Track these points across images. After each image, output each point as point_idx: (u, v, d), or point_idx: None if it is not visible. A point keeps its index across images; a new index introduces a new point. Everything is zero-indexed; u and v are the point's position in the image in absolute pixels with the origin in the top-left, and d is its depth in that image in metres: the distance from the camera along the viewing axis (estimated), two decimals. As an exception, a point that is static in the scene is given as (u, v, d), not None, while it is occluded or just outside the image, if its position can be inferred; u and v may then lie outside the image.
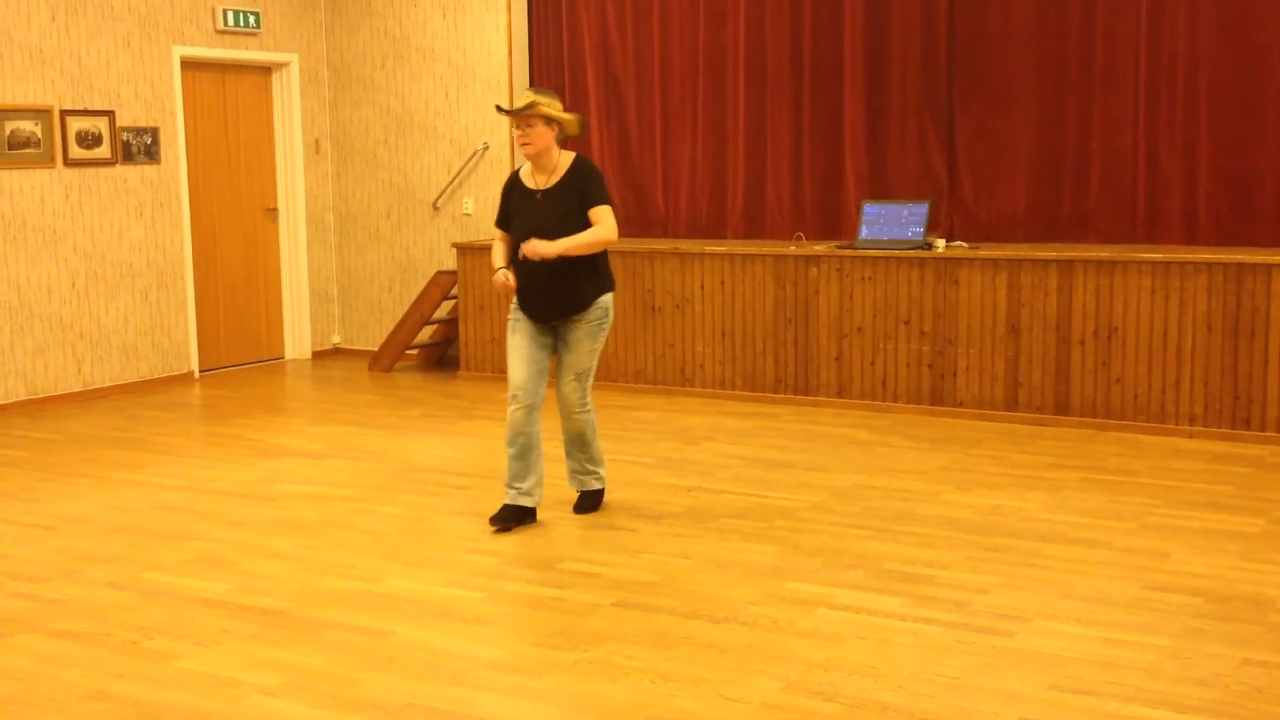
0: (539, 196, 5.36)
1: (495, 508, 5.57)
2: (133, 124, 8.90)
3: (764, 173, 8.81)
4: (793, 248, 8.16)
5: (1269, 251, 7.15)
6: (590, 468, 5.66)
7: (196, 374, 9.46)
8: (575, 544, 5.31)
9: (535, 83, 9.54)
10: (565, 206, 5.31)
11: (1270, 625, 4.28)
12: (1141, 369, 7.17)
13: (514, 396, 5.39)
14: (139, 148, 8.94)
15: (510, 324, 5.48)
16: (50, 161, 8.42)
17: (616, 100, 9.29)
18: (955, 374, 7.66)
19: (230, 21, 9.46)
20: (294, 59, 10.02)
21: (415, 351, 9.93)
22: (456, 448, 7.07)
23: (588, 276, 5.37)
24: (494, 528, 5.44)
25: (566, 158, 5.39)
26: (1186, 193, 7.63)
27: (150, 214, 9.07)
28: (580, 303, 5.37)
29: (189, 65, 9.36)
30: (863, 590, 4.67)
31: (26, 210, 8.33)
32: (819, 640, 4.20)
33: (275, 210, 10.16)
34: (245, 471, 6.64)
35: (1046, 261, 7.36)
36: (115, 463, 6.86)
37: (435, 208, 9.92)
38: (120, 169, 8.85)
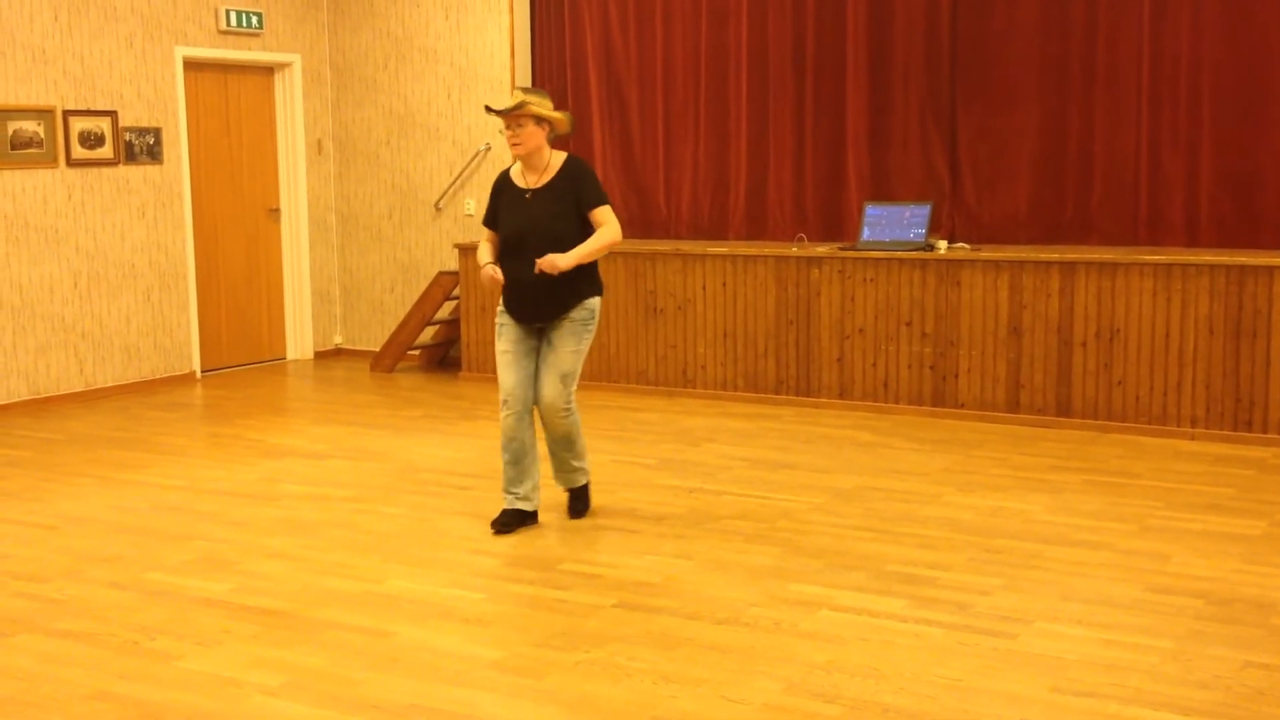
0: (528, 196, 5.31)
1: (497, 508, 5.57)
2: (135, 124, 8.91)
3: (766, 174, 8.81)
4: (794, 249, 8.16)
5: (1271, 254, 7.14)
6: (576, 464, 5.56)
7: (198, 374, 9.47)
8: (577, 545, 5.31)
9: (537, 84, 9.54)
10: (558, 206, 5.26)
11: (1272, 628, 4.28)
12: (1143, 371, 7.17)
13: (505, 402, 5.35)
14: (141, 148, 8.94)
15: (497, 329, 5.43)
16: (53, 162, 8.43)
17: (618, 101, 9.29)
18: (957, 375, 7.66)
19: (233, 22, 9.46)
20: (296, 59, 10.03)
21: (417, 352, 9.93)
22: (458, 448, 7.07)
23: (577, 279, 5.29)
24: (494, 531, 5.43)
25: (558, 157, 5.34)
26: (1189, 195, 7.63)
27: (152, 214, 9.07)
28: (567, 304, 5.30)
29: (191, 66, 9.36)
30: (864, 592, 4.66)
31: (29, 210, 8.34)
32: (820, 642, 4.20)
33: (277, 210, 10.16)
34: (247, 472, 6.64)
35: (1048, 263, 7.36)
36: (117, 463, 6.86)
37: (437, 208, 9.92)
38: (123, 169, 8.86)
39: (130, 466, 6.77)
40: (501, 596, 4.73)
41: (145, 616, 4.54)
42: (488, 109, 5.41)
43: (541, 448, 5.58)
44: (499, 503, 5.58)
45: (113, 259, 8.83)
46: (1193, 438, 7.04)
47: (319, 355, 10.41)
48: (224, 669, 4.06)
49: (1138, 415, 7.20)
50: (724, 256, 8.29)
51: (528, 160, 5.31)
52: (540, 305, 5.30)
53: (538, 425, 5.47)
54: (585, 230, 5.31)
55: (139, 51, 8.91)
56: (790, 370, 8.14)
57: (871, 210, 8.08)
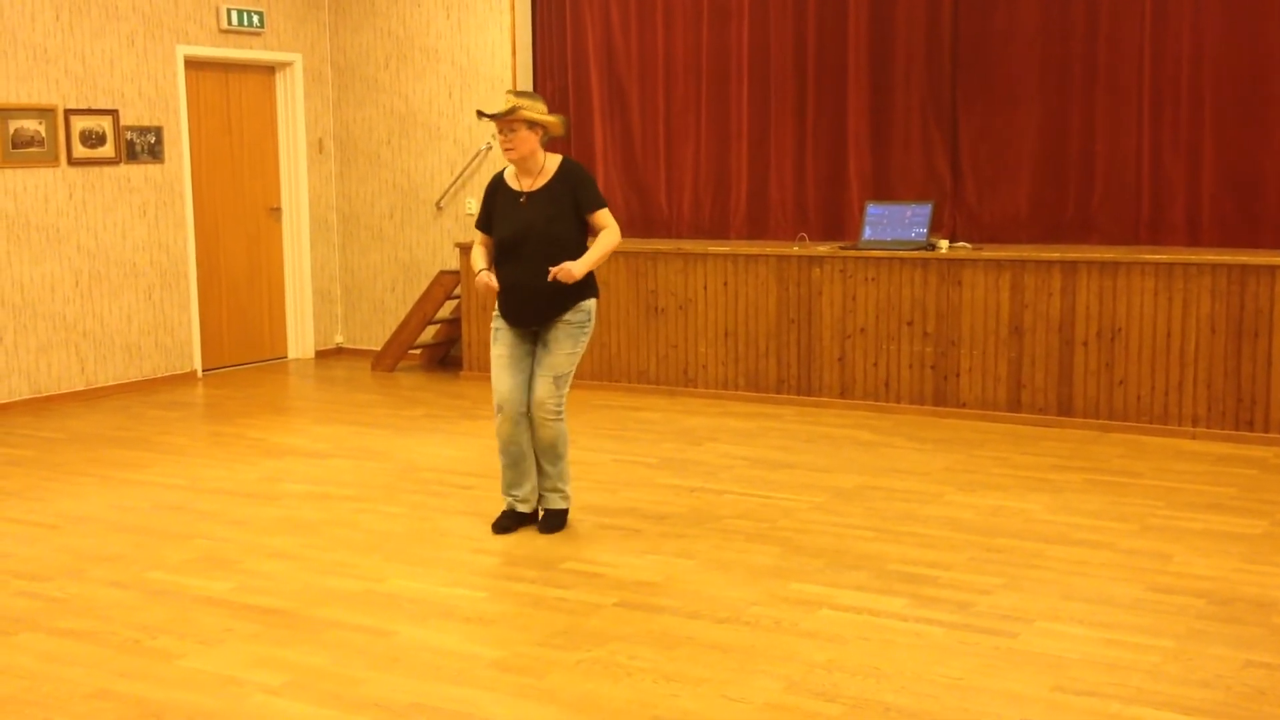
0: (523, 200, 5.26)
1: (498, 508, 5.58)
2: (136, 123, 8.91)
3: (767, 173, 8.81)
4: (796, 248, 8.16)
5: (1272, 253, 7.14)
6: (559, 485, 5.48)
7: (200, 373, 9.47)
8: (578, 544, 5.31)
9: (539, 83, 9.54)
10: (553, 209, 5.22)
11: (1273, 627, 4.28)
12: (1145, 370, 7.17)
13: (499, 408, 5.31)
14: (143, 147, 8.94)
15: (492, 333, 5.39)
16: (54, 160, 8.43)
17: (620, 100, 9.29)
18: (958, 375, 7.65)
19: (234, 21, 9.47)
20: (298, 59, 10.03)
21: (418, 351, 9.93)
22: (459, 447, 7.08)
23: (572, 284, 5.23)
24: (494, 531, 5.43)
25: (553, 160, 5.30)
26: (1190, 194, 7.62)
27: (154, 213, 9.08)
28: (563, 307, 5.26)
29: (193, 65, 9.37)
30: (865, 591, 4.66)
31: (30, 209, 8.34)
32: (821, 641, 4.20)
33: (279, 210, 10.16)
34: (248, 471, 6.64)
35: (1050, 263, 7.36)
36: (118, 462, 6.87)
37: (438, 208, 9.92)
38: (124, 168, 8.86)
39: (131, 466, 6.78)
40: (502, 596, 4.73)
41: (146, 615, 4.54)
42: (479, 114, 5.34)
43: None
44: (500, 502, 5.58)
45: (114, 258, 8.84)
46: (1194, 437, 7.04)
47: (320, 354, 10.42)
48: (225, 668, 4.06)
49: (1139, 415, 7.20)
50: (725, 256, 8.29)
51: (522, 164, 5.27)
52: (537, 309, 5.26)
53: None
54: (581, 232, 5.29)
55: (140, 50, 8.92)
56: (791, 370, 8.14)
57: (873, 210, 8.08)
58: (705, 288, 8.36)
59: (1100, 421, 7.28)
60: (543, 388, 5.30)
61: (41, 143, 8.34)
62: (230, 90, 9.74)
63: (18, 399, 8.33)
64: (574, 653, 4.13)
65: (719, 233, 9.01)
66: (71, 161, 8.52)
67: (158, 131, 9.03)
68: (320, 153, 10.28)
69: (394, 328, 10.03)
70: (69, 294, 8.59)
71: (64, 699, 3.86)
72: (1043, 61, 7.92)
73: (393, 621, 4.44)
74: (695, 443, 7.12)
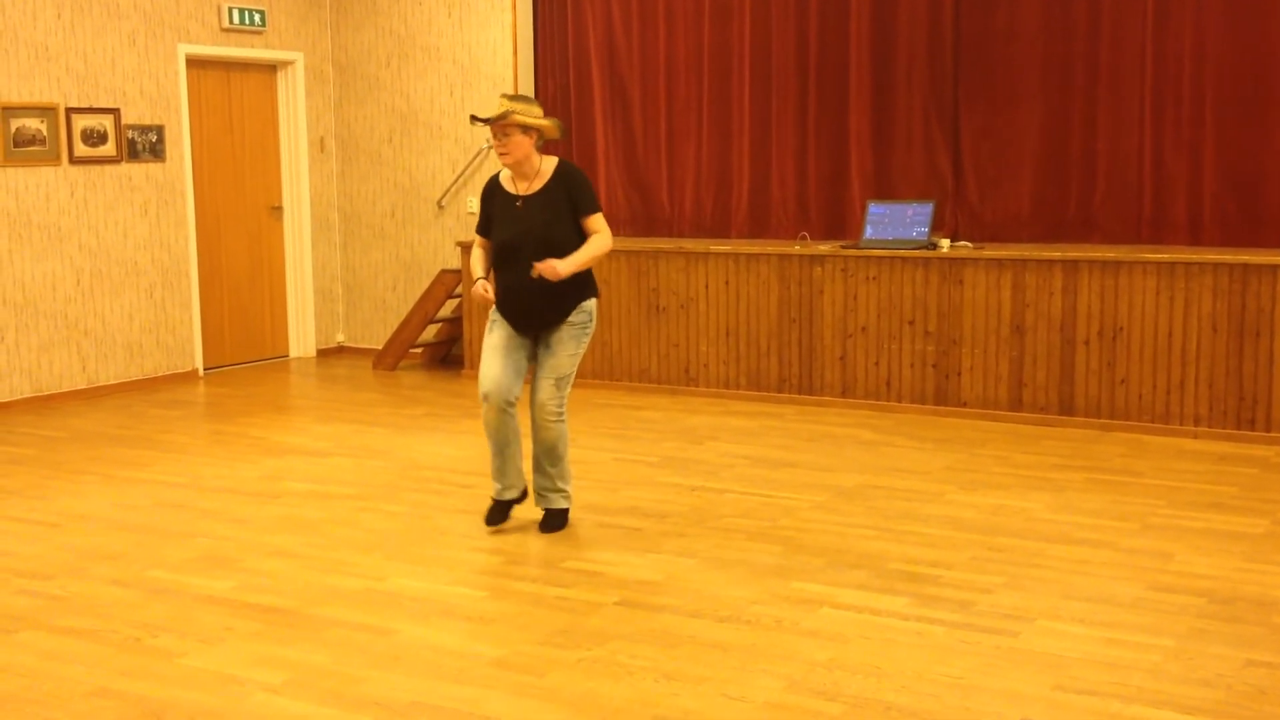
0: (519, 204, 5.22)
1: (499, 507, 5.58)
2: (138, 122, 8.91)
3: (769, 172, 8.81)
4: (797, 247, 8.16)
5: (1274, 252, 7.14)
6: (559, 485, 5.44)
7: (201, 372, 9.47)
8: (578, 543, 5.31)
9: (539, 82, 9.54)
10: (550, 213, 5.18)
11: (1274, 626, 4.28)
12: (1146, 370, 7.16)
13: (485, 396, 5.25)
14: (144, 145, 8.95)
15: (489, 323, 5.35)
16: (55, 159, 8.43)
17: (621, 99, 9.29)
18: (960, 374, 7.65)
19: (235, 20, 9.47)
20: (299, 57, 10.03)
21: (419, 350, 9.93)
22: (460, 446, 7.07)
23: (571, 286, 5.21)
24: (489, 526, 5.42)
25: (549, 163, 5.27)
26: (1192, 194, 7.62)
27: (155, 212, 9.08)
28: (563, 310, 5.23)
29: (194, 63, 9.37)
30: (866, 590, 4.66)
31: (32, 208, 8.34)
32: (822, 640, 4.20)
33: (280, 208, 10.17)
34: (249, 469, 6.64)
35: (1051, 262, 7.36)
36: (120, 460, 6.87)
37: (440, 206, 9.92)
38: (125, 167, 8.86)
39: (133, 464, 6.78)
40: (503, 594, 4.73)
41: (147, 614, 4.54)
42: (473, 119, 5.29)
43: (526, 446, 5.51)
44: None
45: (115, 256, 8.84)
46: (1195, 436, 7.03)
47: (321, 353, 10.42)
48: (226, 666, 4.06)
49: (1140, 414, 7.19)
50: (727, 255, 8.28)
51: (516, 169, 5.23)
52: (538, 313, 5.23)
53: (523, 425, 5.40)
54: (579, 236, 5.24)
55: (142, 49, 8.92)
56: (793, 369, 8.14)
57: (874, 209, 8.08)
58: (707, 287, 8.36)
59: (1101, 421, 7.28)
60: (545, 390, 5.27)
61: (43, 141, 8.34)
62: (232, 89, 9.74)
63: (19, 397, 8.33)
64: (574, 651, 4.13)
65: (720, 231, 9.01)
66: (73, 160, 8.52)
67: (159, 130, 9.04)
68: (322, 151, 10.29)
69: (395, 326, 10.04)
70: (70, 292, 8.59)
71: (65, 697, 3.86)
72: (1044, 60, 7.92)
73: (393, 620, 4.44)
74: (696, 442, 7.12)
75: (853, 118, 8.49)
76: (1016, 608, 4.46)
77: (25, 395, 8.37)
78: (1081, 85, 7.84)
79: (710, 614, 4.44)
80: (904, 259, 7.73)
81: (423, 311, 9.61)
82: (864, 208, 8.19)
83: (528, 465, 5.53)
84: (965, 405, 7.64)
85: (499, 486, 5.45)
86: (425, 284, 9.92)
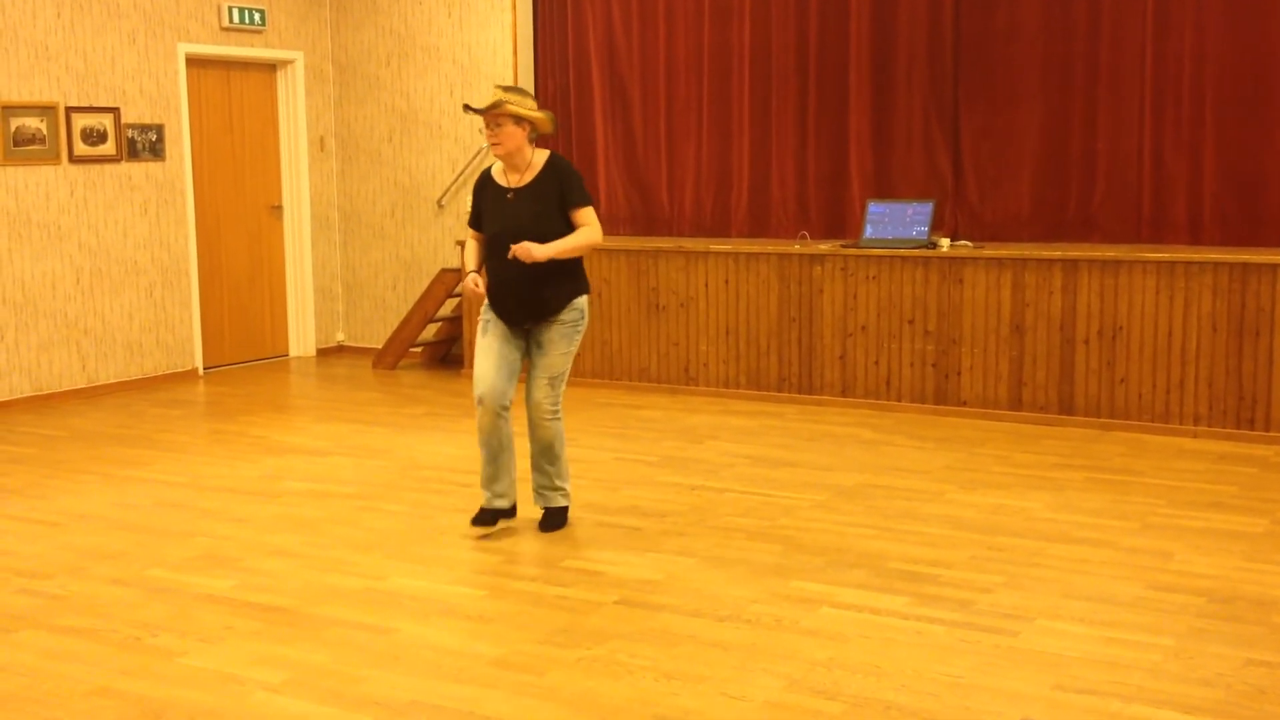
0: (510, 196, 5.20)
1: (499, 506, 5.58)
2: (138, 121, 8.91)
3: (769, 171, 8.81)
4: (797, 246, 8.16)
5: (1274, 252, 7.14)
6: (558, 483, 5.41)
7: (201, 371, 9.47)
8: (578, 542, 5.31)
9: (540, 81, 9.54)
10: (540, 205, 5.16)
11: (1274, 626, 4.28)
12: (1146, 369, 7.17)
13: (480, 399, 5.21)
14: (144, 145, 8.95)
15: (481, 324, 5.31)
16: (55, 158, 8.43)
17: (621, 98, 9.29)
18: (959, 373, 7.65)
19: (235, 19, 9.47)
20: (299, 56, 10.03)
21: (419, 349, 9.93)
22: (460, 445, 7.07)
23: (563, 279, 5.20)
24: (475, 529, 5.37)
25: (540, 156, 5.23)
26: (1192, 193, 7.62)
27: (155, 211, 9.08)
28: (555, 305, 5.20)
29: (194, 62, 9.37)
30: (866, 589, 4.66)
31: (31, 207, 8.34)
32: (822, 639, 4.20)
33: (280, 208, 10.16)
34: (249, 468, 6.64)
35: (1051, 261, 7.36)
36: (120, 459, 6.87)
37: (440, 205, 9.92)
38: (125, 166, 8.86)
39: (133, 463, 6.78)
40: (503, 593, 4.73)
41: (147, 613, 4.54)
42: (466, 108, 5.30)
43: (520, 452, 5.50)
44: (481, 497, 5.54)
45: (115, 256, 8.84)
46: (1195, 436, 7.03)
47: (321, 352, 10.42)
48: (226, 666, 4.06)
49: (1140, 413, 7.19)
50: (726, 254, 8.28)
51: (508, 160, 5.21)
52: (526, 306, 5.19)
53: (517, 427, 5.38)
54: (569, 229, 5.20)
55: (142, 48, 8.92)
56: (792, 368, 8.14)
57: (874, 208, 8.08)
58: (706, 286, 8.36)
59: (1101, 420, 7.28)
60: (539, 389, 5.25)
61: (43, 140, 8.34)
62: (232, 88, 9.74)
63: (19, 396, 8.33)
64: (574, 651, 4.13)
65: (720, 231, 9.01)
66: (73, 159, 8.52)
67: (159, 129, 9.04)
68: (321, 150, 10.29)
69: (395, 326, 10.04)
70: (70, 291, 8.59)
71: (64, 696, 3.86)
72: (1044, 60, 7.92)
73: (393, 619, 4.44)
74: (696, 441, 7.12)
75: (853, 117, 8.49)
76: (1016, 607, 4.46)
77: (25, 394, 8.37)
78: (1081, 85, 7.84)
79: (710, 613, 4.45)
80: (904, 258, 7.73)
81: (422, 311, 9.61)
82: (864, 207, 8.19)
83: (522, 479, 5.51)
84: (965, 404, 7.64)
85: (489, 495, 5.39)
86: (425, 283, 9.92)
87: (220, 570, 5.00)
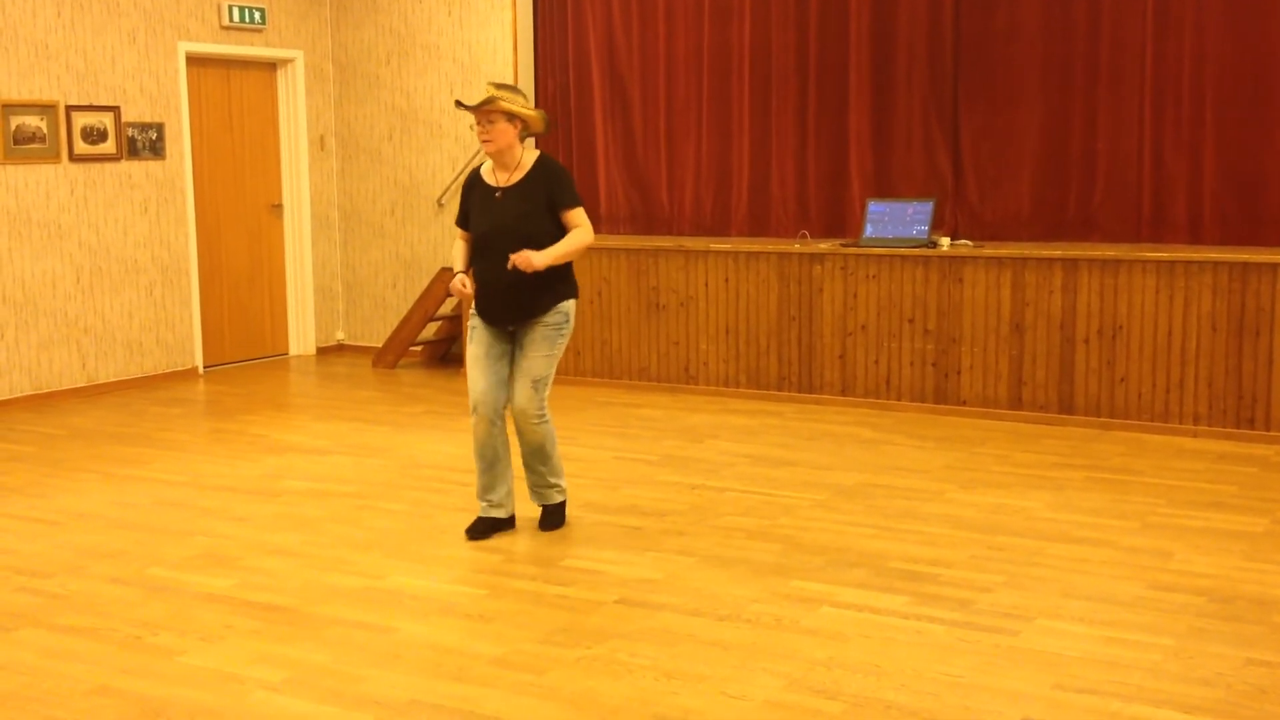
0: (498, 195, 5.17)
1: (499, 505, 5.57)
2: (138, 120, 8.91)
3: (769, 171, 8.81)
4: (797, 246, 8.15)
5: (1274, 251, 7.14)
6: (552, 480, 5.36)
7: (201, 370, 9.47)
8: (578, 541, 5.31)
9: (539, 80, 9.54)
10: (528, 205, 5.11)
11: (1274, 625, 4.28)
12: (1146, 368, 7.17)
13: (475, 409, 5.19)
14: (144, 143, 8.95)
15: (469, 332, 5.28)
16: (55, 157, 8.43)
17: (621, 98, 9.29)
18: (959, 373, 7.65)
19: (235, 18, 9.46)
20: (299, 55, 10.03)
21: (419, 348, 9.94)
22: (460, 444, 7.07)
23: (552, 281, 5.14)
24: (468, 538, 5.33)
25: (530, 155, 5.20)
26: (1192, 192, 7.62)
27: (155, 210, 9.08)
28: (540, 306, 5.14)
29: (194, 61, 9.37)
30: (866, 589, 4.66)
31: (31, 205, 8.34)
32: (822, 638, 4.20)
33: (280, 206, 10.16)
34: (249, 467, 6.64)
35: (1051, 260, 7.36)
36: (119, 458, 6.87)
37: (440, 204, 9.92)
38: (125, 164, 8.86)
39: (132, 462, 6.78)
40: (503, 592, 4.73)
41: (147, 612, 4.54)
42: (458, 104, 5.25)
43: (517, 461, 5.46)
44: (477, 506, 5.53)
45: (115, 254, 8.84)
46: (1195, 435, 7.03)
47: (321, 351, 10.42)
48: (226, 665, 4.06)
49: (1140, 412, 7.19)
50: (726, 253, 8.28)
51: (498, 158, 5.18)
52: (512, 307, 5.14)
53: (511, 433, 5.35)
54: (557, 229, 5.16)
55: (142, 47, 8.91)
56: (792, 367, 8.14)
57: (874, 207, 8.08)
58: (706, 285, 8.35)
59: (1101, 419, 7.28)
60: (522, 394, 5.16)
61: (43, 139, 8.34)
62: (232, 87, 9.73)
63: (19, 395, 8.33)
64: (574, 650, 4.13)
65: (720, 230, 9.01)
66: (73, 158, 8.52)
67: (159, 128, 9.03)
68: (321, 149, 10.28)
69: (395, 324, 10.04)
70: (70, 290, 8.59)
71: (64, 695, 3.86)
72: (1044, 59, 7.91)
73: (393, 618, 4.44)
74: (696, 440, 7.12)
75: (853, 116, 8.49)
76: (1016, 606, 4.46)
77: (25, 393, 8.37)
78: (1081, 84, 7.84)
79: (710, 612, 4.44)
80: (904, 257, 7.73)
81: (422, 309, 9.61)
82: (864, 206, 8.19)
83: (519, 475, 5.50)
84: (965, 404, 7.64)
85: (484, 504, 5.37)
86: (425, 282, 9.92)
87: (220, 569, 5.00)
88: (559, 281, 5.19)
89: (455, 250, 5.37)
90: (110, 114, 8.72)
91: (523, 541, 5.31)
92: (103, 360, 8.82)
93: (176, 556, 5.17)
